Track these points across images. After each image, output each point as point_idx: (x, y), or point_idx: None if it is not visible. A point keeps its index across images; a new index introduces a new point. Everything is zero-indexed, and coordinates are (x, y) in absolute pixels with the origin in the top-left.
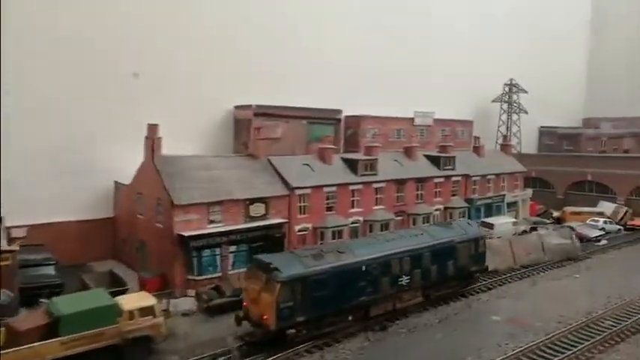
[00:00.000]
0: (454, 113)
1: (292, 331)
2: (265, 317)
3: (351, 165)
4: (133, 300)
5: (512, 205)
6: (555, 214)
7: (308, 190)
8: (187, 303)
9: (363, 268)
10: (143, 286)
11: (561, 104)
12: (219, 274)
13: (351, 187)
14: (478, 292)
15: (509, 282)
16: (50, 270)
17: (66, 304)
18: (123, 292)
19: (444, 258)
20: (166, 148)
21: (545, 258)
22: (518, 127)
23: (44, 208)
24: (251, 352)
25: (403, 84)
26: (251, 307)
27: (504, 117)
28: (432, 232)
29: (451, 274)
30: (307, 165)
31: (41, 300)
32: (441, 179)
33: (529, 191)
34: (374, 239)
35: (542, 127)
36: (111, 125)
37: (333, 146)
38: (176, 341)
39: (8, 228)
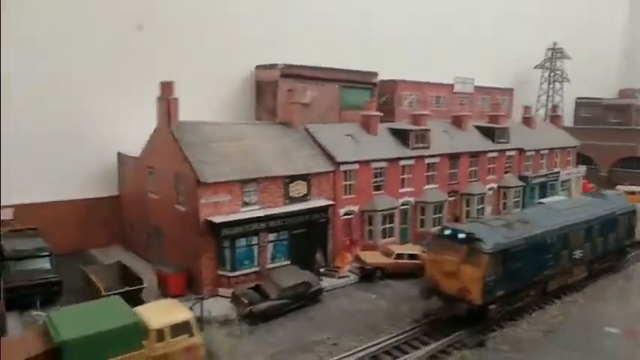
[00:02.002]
0: (490, 81)
1: (493, 306)
2: (469, 291)
3: (401, 136)
4: (160, 312)
5: (564, 184)
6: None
7: (355, 166)
8: (222, 307)
9: (549, 240)
10: (163, 285)
11: (595, 75)
12: (257, 269)
13: (402, 163)
14: (569, 293)
15: (600, 278)
16: (45, 263)
17: (70, 322)
18: (137, 293)
19: (608, 230)
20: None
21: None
22: (561, 97)
23: (34, 185)
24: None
25: (437, 47)
26: (445, 281)
27: (545, 86)
28: (594, 202)
29: (612, 247)
30: (350, 135)
31: (35, 312)
32: (495, 154)
33: (582, 168)
34: (545, 210)
35: (579, 98)
36: (112, 87)
37: (378, 113)
38: None
39: None
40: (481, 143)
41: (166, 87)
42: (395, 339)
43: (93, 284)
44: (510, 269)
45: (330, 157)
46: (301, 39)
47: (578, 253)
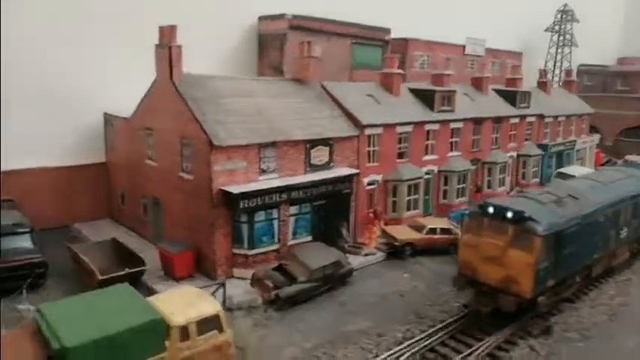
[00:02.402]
0: (495, 43)
1: (543, 298)
2: (517, 282)
3: (425, 97)
4: (181, 303)
5: (578, 153)
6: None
7: (379, 130)
8: (241, 291)
9: (601, 218)
10: (168, 265)
11: (594, 41)
12: (277, 246)
13: (427, 127)
14: (617, 272)
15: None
16: (25, 241)
17: (72, 320)
18: (138, 276)
19: None
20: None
21: None
22: (569, 62)
23: (7, 151)
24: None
25: (446, 2)
26: (485, 269)
27: (553, 50)
28: (634, 173)
29: None
30: (371, 95)
31: (22, 306)
32: (516, 119)
33: (596, 137)
34: (590, 182)
35: (582, 65)
36: (96, 36)
37: (401, 71)
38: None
39: None
40: (503, 108)
41: (167, 32)
42: (449, 328)
43: (85, 266)
44: (563, 254)
45: (353, 119)
46: None
47: (624, 232)
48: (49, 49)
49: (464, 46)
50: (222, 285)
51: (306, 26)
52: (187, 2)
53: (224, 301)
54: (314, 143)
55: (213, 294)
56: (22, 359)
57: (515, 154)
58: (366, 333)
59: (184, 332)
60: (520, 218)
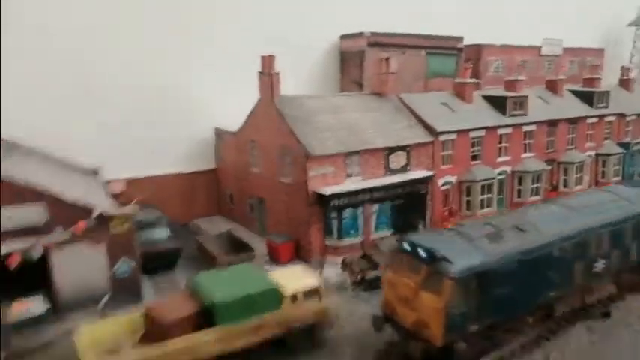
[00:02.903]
0: (575, 41)
1: (462, 344)
2: (426, 328)
3: (497, 103)
4: (291, 278)
5: None
6: None
7: (453, 136)
8: (334, 274)
9: (556, 252)
10: (274, 252)
11: None
12: (361, 238)
13: (500, 131)
14: None
15: None
16: (164, 232)
17: (217, 285)
18: (248, 260)
19: None
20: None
21: None
22: None
23: (139, 160)
24: None
25: (520, 4)
26: (400, 309)
27: (639, 44)
28: (623, 193)
29: None
30: (445, 104)
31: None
32: (594, 119)
33: None
34: (555, 206)
35: None
36: (202, 65)
37: (475, 79)
38: (341, 326)
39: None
40: (579, 109)
41: (268, 61)
42: None
43: (207, 252)
44: (492, 295)
45: (428, 127)
46: (379, 3)
47: (599, 265)
48: (169, 75)
49: (540, 48)
50: (322, 266)
51: (382, 42)
52: (277, 27)
53: (321, 279)
54: (392, 150)
55: (320, 272)
56: (187, 312)
57: (593, 153)
58: None
59: (294, 298)
60: (431, 256)
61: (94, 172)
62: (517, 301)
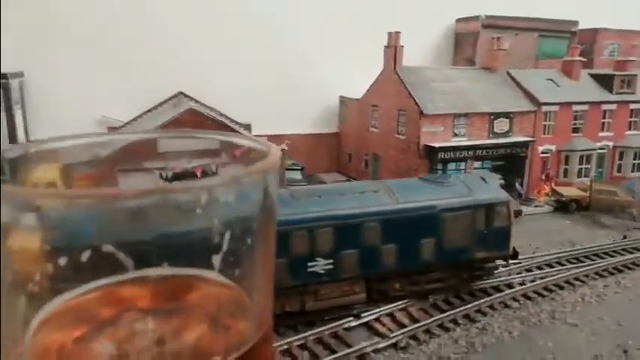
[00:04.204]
0: None
1: None
2: None
3: (604, 81)
4: None
5: None
6: None
7: (555, 108)
8: None
9: None
10: None
11: None
12: None
13: (604, 107)
14: None
15: None
16: (298, 175)
17: None
18: None
19: (416, 233)
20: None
21: None
22: None
23: (276, 121)
24: None
25: None
26: None
27: None
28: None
29: (429, 259)
30: (551, 80)
31: None
32: None
33: None
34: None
35: None
36: (332, 40)
37: (581, 58)
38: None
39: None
40: None
41: (394, 36)
42: (591, 249)
43: None
44: None
45: (532, 98)
46: None
47: (320, 265)
48: (303, 52)
49: None
50: None
51: (496, 24)
52: (401, 10)
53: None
54: (497, 115)
55: None
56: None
57: None
58: (527, 247)
59: None
60: None
61: (247, 127)
62: None
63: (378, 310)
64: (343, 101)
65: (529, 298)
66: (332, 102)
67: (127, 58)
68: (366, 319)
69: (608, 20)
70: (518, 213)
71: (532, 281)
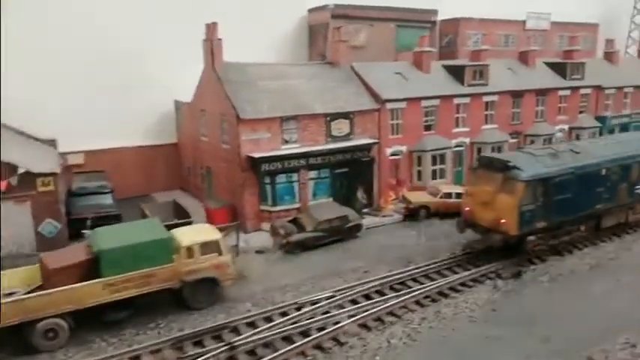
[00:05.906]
0: (567, 16)
1: (532, 238)
2: (503, 222)
3: (456, 73)
4: (193, 234)
5: None
6: None
7: (402, 104)
8: (262, 239)
9: (603, 171)
10: (210, 218)
11: None
12: (298, 205)
13: (456, 101)
14: (632, 232)
15: None
16: (107, 199)
17: (109, 236)
18: (186, 225)
19: None
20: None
21: None
22: None
23: (101, 133)
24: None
25: None
26: (480, 212)
27: (638, 19)
28: None
29: None
30: (399, 74)
31: (83, 231)
32: (567, 92)
33: None
34: (605, 140)
35: None
36: (165, 35)
37: (431, 49)
38: (249, 285)
39: (63, 154)
40: (550, 80)
41: (210, 28)
42: (424, 269)
43: (147, 217)
44: (553, 200)
45: (374, 95)
46: None
47: None
48: (131, 49)
49: (524, 22)
50: (237, 226)
51: (348, 14)
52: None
53: (237, 241)
54: (334, 117)
55: (221, 229)
56: (78, 259)
57: (566, 126)
58: (356, 271)
59: (189, 251)
60: (505, 167)
61: (51, 143)
62: (572, 208)
63: None
64: (178, 106)
65: (322, 349)
66: (168, 107)
67: None
68: None
69: (474, 10)
70: (354, 228)
71: (336, 323)
